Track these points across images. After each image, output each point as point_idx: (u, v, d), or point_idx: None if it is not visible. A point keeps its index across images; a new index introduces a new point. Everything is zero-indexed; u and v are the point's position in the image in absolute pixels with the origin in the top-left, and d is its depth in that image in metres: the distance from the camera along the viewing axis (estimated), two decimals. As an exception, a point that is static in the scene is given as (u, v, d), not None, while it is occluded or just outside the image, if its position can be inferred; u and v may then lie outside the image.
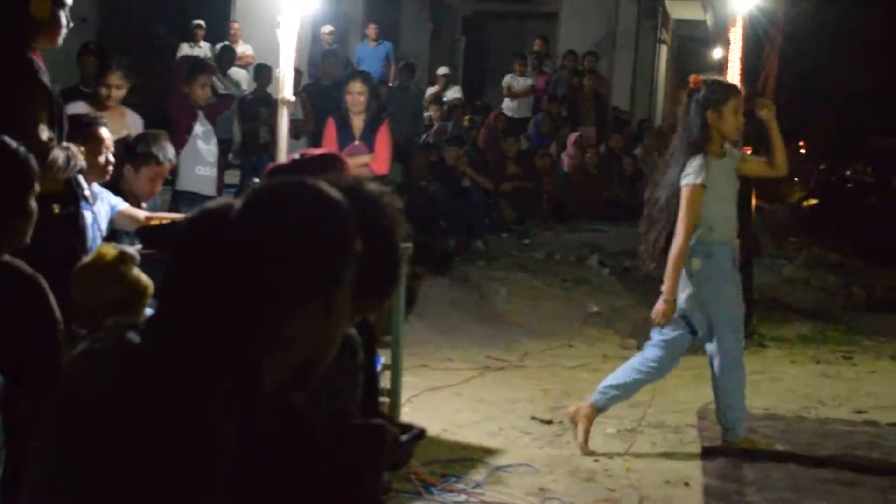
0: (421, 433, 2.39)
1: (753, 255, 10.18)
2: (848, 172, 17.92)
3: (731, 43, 20.55)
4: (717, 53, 26.41)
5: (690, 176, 4.99)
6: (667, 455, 5.28)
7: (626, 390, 5.36)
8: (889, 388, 7.10)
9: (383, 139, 7.56)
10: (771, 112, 5.27)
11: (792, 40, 27.37)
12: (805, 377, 7.37)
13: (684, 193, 4.99)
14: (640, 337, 8.35)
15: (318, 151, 3.35)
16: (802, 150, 29.53)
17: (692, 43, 27.20)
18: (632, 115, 17.59)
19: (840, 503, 4.65)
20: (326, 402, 2.15)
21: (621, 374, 5.39)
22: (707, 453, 5.26)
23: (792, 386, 7.05)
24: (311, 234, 1.78)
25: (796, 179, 24.00)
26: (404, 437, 2.27)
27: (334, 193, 1.84)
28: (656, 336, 5.33)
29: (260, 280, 1.75)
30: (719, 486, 4.79)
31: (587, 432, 5.26)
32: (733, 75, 19.90)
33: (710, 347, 5.22)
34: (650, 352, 5.35)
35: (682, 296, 5.13)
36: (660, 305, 5.10)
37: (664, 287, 5.07)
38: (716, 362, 5.21)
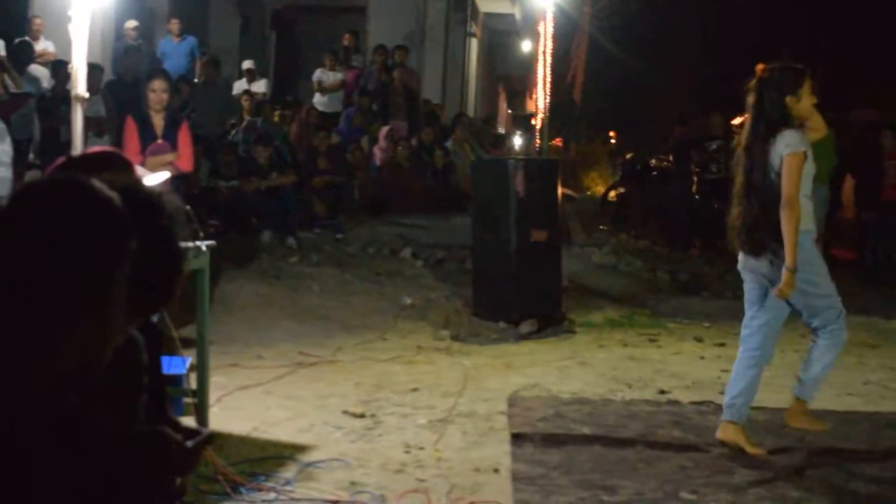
0: (208, 438, 2.32)
1: (563, 244, 10.41)
2: (652, 161, 18.46)
3: (540, 36, 20.93)
4: (526, 46, 27.04)
5: (793, 146, 5.07)
6: (477, 443, 5.32)
7: (749, 391, 5.36)
8: (691, 369, 7.36)
9: (185, 136, 7.44)
10: None
11: (601, 33, 28.17)
12: (613, 361, 7.56)
13: (789, 162, 5.06)
14: (453, 328, 8.45)
15: (99, 148, 3.23)
16: (613, 141, 30.38)
17: (502, 36, 27.69)
18: (444, 107, 17.72)
19: (642, 481, 4.78)
20: (105, 405, 2.06)
21: (737, 381, 5.37)
22: (516, 440, 5.33)
23: (600, 370, 7.22)
24: (80, 233, 1.70)
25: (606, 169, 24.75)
26: (190, 443, 2.20)
27: (106, 192, 1.77)
28: (754, 323, 5.39)
29: (25, 279, 1.67)
30: (527, 470, 4.86)
31: (749, 443, 5.25)
32: (543, 68, 20.25)
33: (815, 323, 5.35)
34: (751, 342, 5.39)
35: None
36: (785, 276, 5.05)
37: (786, 258, 5.03)
38: (821, 341, 5.37)
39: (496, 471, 4.87)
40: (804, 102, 5.26)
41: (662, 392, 6.59)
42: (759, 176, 5.17)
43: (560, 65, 28.93)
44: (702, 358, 7.79)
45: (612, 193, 18.41)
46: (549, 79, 25.99)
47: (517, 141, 22.78)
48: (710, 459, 5.15)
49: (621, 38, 27.84)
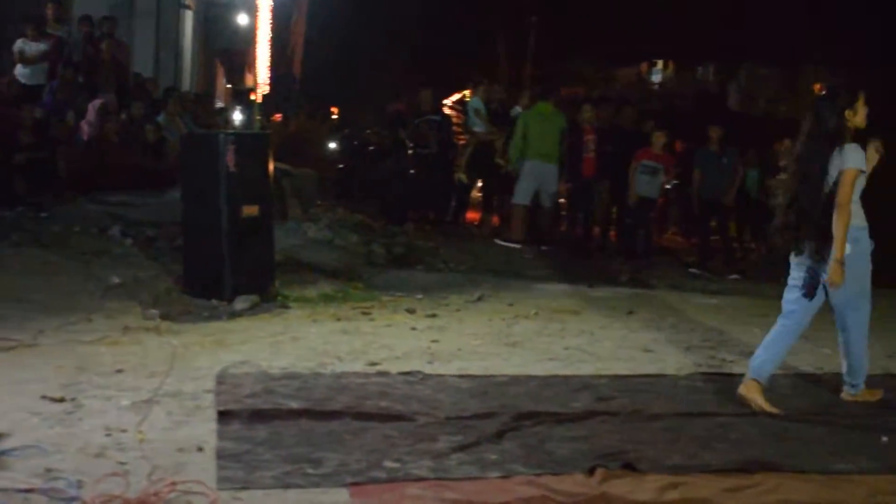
0: None
1: (280, 220, 10.36)
2: (370, 136, 18.66)
3: (258, 10, 20.70)
4: (243, 20, 26.66)
5: (855, 162, 5.80)
6: (183, 423, 5.21)
7: (777, 357, 6.19)
8: (402, 340, 7.49)
9: None
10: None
11: (320, 7, 28.06)
12: (325, 335, 7.57)
13: (848, 176, 5.79)
14: (163, 307, 8.24)
15: None
16: (335, 116, 30.46)
17: (220, 9, 27.16)
18: (156, 81, 17.21)
19: (348, 452, 4.82)
20: None
21: (769, 346, 6.15)
22: (223, 417, 5.26)
23: (312, 344, 7.23)
24: None
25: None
26: None
27: None
28: (796, 304, 6.07)
29: None
30: (233, 448, 4.80)
31: (767, 403, 5.97)
32: (262, 42, 19.92)
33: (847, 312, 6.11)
34: (791, 317, 6.11)
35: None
36: (835, 268, 5.80)
37: (836, 251, 5.78)
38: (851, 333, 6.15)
39: (201, 449, 4.79)
40: (860, 114, 5.96)
41: (373, 364, 6.67)
42: (813, 185, 5.90)
43: (280, 39, 28.77)
44: (413, 329, 7.93)
45: (334, 169, 18.47)
46: (268, 53, 25.78)
47: (237, 116, 22.47)
48: (415, 427, 5.26)
49: (340, 12, 27.96)
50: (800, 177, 6.01)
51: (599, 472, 4.54)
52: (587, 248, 13.82)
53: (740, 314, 9.51)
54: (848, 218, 5.83)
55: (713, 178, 13.42)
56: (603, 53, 34.51)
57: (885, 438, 5.49)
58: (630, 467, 4.66)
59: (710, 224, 13.89)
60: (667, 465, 4.80)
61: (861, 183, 5.96)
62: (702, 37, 31.91)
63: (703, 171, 13.48)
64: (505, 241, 13.47)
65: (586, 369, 6.85)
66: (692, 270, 13.08)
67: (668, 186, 14.86)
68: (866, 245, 6.06)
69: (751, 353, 7.36)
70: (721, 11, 28.21)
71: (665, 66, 38.34)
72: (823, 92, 6.37)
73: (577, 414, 5.62)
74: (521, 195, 13.55)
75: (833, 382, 6.64)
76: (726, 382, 6.61)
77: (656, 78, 38.40)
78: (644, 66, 38.48)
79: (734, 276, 12.83)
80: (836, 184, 5.85)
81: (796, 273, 6.09)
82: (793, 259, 6.11)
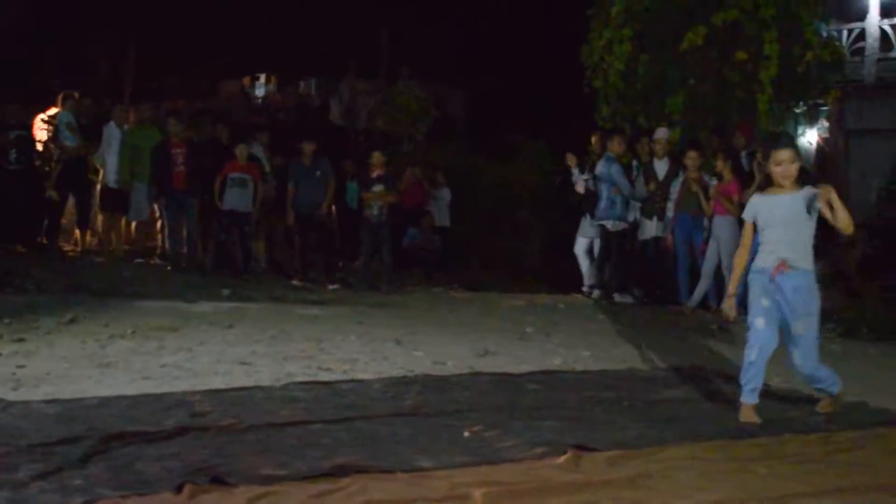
0: None
1: None
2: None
3: None
4: None
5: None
6: None
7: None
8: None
9: None
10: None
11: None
12: None
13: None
14: None
15: None
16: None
17: None
18: None
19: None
20: None
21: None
22: None
23: None
24: None
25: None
26: None
27: None
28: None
29: None
30: None
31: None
32: None
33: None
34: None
35: None
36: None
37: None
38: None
39: None
40: None
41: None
42: None
43: None
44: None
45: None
46: None
47: None
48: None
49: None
50: None
51: (188, 489, 4.48)
52: (187, 264, 13.66)
53: (339, 323, 9.75)
54: None
55: (306, 191, 13.70)
56: (206, 67, 34.31)
57: (466, 433, 5.81)
58: (219, 481, 4.64)
59: (308, 236, 14.11)
60: (257, 475, 4.82)
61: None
62: (303, 52, 32.57)
63: (297, 185, 13.74)
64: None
65: (182, 386, 6.76)
66: (294, 282, 13.26)
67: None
68: None
69: (347, 360, 7.61)
70: (319, 27, 28.93)
71: (268, 80, 38.58)
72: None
73: (168, 431, 5.52)
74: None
75: (424, 383, 6.96)
76: (321, 390, 6.76)
77: (259, 92, 38.56)
78: (247, 80, 38.54)
79: (334, 287, 13.13)
80: None
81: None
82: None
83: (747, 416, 6.56)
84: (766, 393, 6.90)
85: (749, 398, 6.61)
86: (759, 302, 6.62)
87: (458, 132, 25.04)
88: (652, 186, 13.07)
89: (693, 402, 7.20)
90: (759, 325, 6.59)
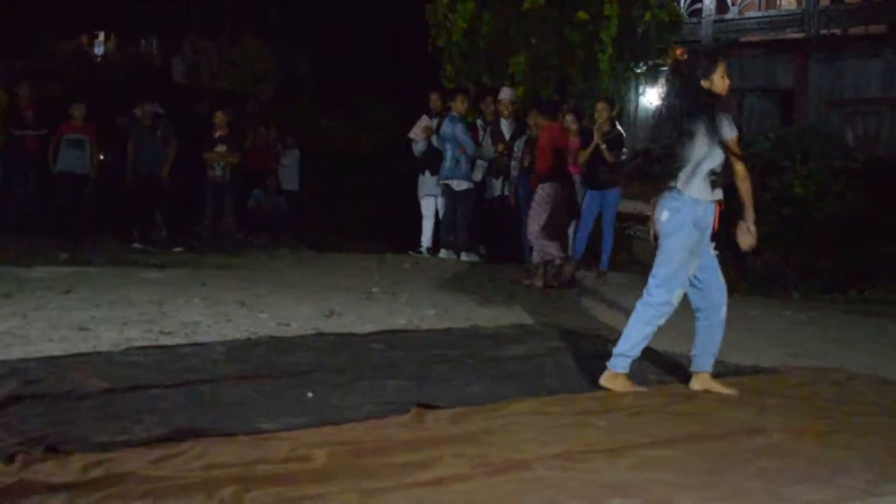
0: None
1: None
2: None
3: None
4: None
5: (728, 129, 5.77)
6: None
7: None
8: None
9: None
10: None
11: None
12: None
13: (733, 144, 5.78)
14: None
15: None
16: None
17: None
18: None
19: None
20: None
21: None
22: None
23: None
24: None
25: None
26: None
27: None
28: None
29: None
30: None
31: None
32: None
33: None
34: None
35: None
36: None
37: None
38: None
39: None
40: (718, 84, 5.88)
41: None
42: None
43: None
44: None
45: None
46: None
47: None
48: None
49: None
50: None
51: (20, 458, 4.34)
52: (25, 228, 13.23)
53: (182, 286, 9.58)
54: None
55: (146, 153, 13.39)
56: (42, 25, 33.05)
57: (310, 394, 5.78)
58: (53, 449, 4.51)
59: (147, 197, 13.78)
60: (94, 443, 4.70)
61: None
62: (144, 10, 31.67)
63: (137, 146, 13.41)
64: None
65: (15, 353, 6.53)
66: (136, 245, 12.96)
67: (101, 157, 14.51)
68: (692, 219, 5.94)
69: (190, 324, 7.48)
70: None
71: (107, 39, 37.44)
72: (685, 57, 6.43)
73: (1, 401, 5.34)
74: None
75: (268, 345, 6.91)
76: (162, 355, 6.64)
77: (99, 51, 37.39)
78: (85, 39, 37.30)
79: (178, 249, 12.89)
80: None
81: None
82: None
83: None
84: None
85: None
86: None
87: (305, 93, 24.76)
88: (501, 148, 13.18)
89: (536, 358, 7.30)
90: None
